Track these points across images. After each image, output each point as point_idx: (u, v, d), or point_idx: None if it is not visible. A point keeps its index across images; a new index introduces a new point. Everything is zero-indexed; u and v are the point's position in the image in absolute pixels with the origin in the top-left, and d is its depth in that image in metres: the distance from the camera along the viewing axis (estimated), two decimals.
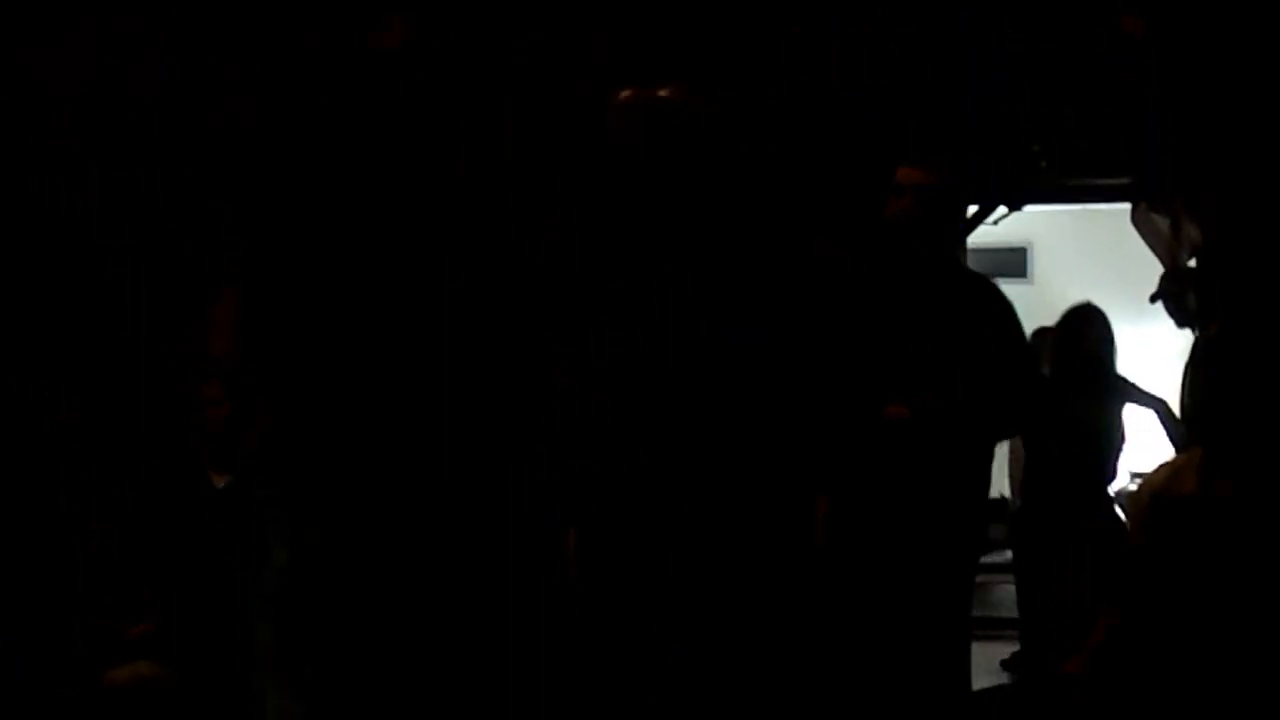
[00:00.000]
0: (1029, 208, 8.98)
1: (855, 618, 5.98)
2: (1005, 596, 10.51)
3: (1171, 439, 7.91)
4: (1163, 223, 9.06)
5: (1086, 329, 8.44)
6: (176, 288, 6.37)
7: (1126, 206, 9.20)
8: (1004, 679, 9.87)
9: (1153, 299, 8.92)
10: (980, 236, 8.63)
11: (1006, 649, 9.95)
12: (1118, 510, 8.13)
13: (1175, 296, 8.71)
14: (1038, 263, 12.88)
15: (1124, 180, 8.30)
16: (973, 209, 8.47)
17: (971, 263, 9.18)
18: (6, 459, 5.79)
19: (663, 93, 5.14)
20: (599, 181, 5.18)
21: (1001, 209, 8.50)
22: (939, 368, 5.88)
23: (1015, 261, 12.66)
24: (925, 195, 5.86)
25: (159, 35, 6.45)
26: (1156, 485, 5.10)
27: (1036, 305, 11.46)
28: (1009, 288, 12.45)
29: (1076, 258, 12.26)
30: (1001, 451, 9.90)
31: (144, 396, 6.33)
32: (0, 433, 5.92)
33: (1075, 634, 8.32)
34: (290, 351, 6.24)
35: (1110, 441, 8.71)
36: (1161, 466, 5.28)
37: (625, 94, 5.12)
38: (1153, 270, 9.00)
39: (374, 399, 6.41)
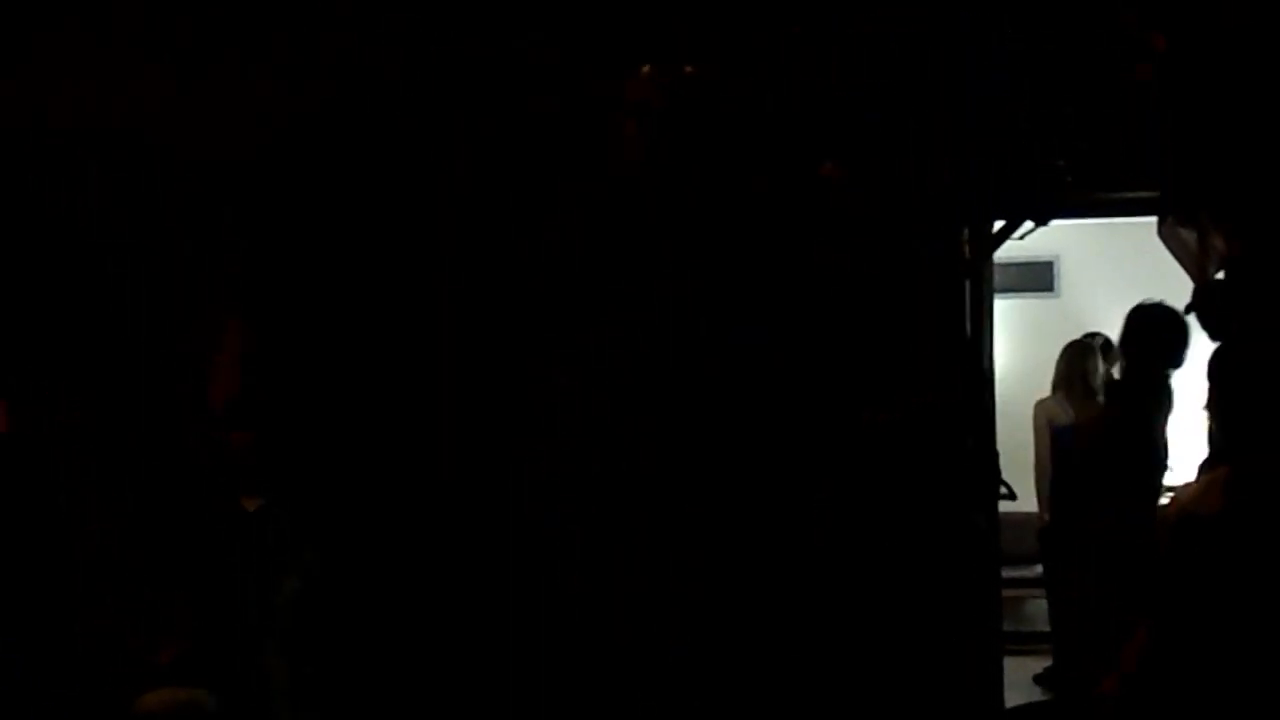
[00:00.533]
0: (1055, 221, 8.93)
1: (848, 616, 5.97)
2: (1038, 611, 10.49)
3: None
4: (1189, 236, 9.01)
5: (1183, 342, 8.39)
6: (177, 288, 6.39)
7: (1153, 219, 9.17)
8: (1037, 694, 9.83)
9: (1186, 311, 8.86)
10: (1007, 250, 8.59)
11: (1040, 664, 9.91)
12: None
13: (1209, 309, 8.65)
14: (1065, 276, 12.82)
15: (1150, 193, 8.25)
16: (999, 224, 8.43)
17: (999, 277, 9.15)
18: (7, 459, 5.80)
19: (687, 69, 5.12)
20: (599, 181, 5.18)
21: (1028, 224, 8.46)
22: (939, 368, 5.87)
23: (1042, 275, 12.61)
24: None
25: (159, 47, 6.48)
26: (1184, 503, 5.08)
27: (1064, 319, 11.46)
28: (1037, 301, 12.50)
29: (1104, 271, 12.19)
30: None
31: (144, 397, 6.34)
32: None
33: (1108, 650, 8.29)
34: (289, 355, 6.24)
35: (1167, 453, 8.68)
36: (1190, 484, 5.26)
37: (646, 67, 5.10)
38: (1181, 283, 8.95)
39: (373, 400, 6.41)
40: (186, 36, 6.53)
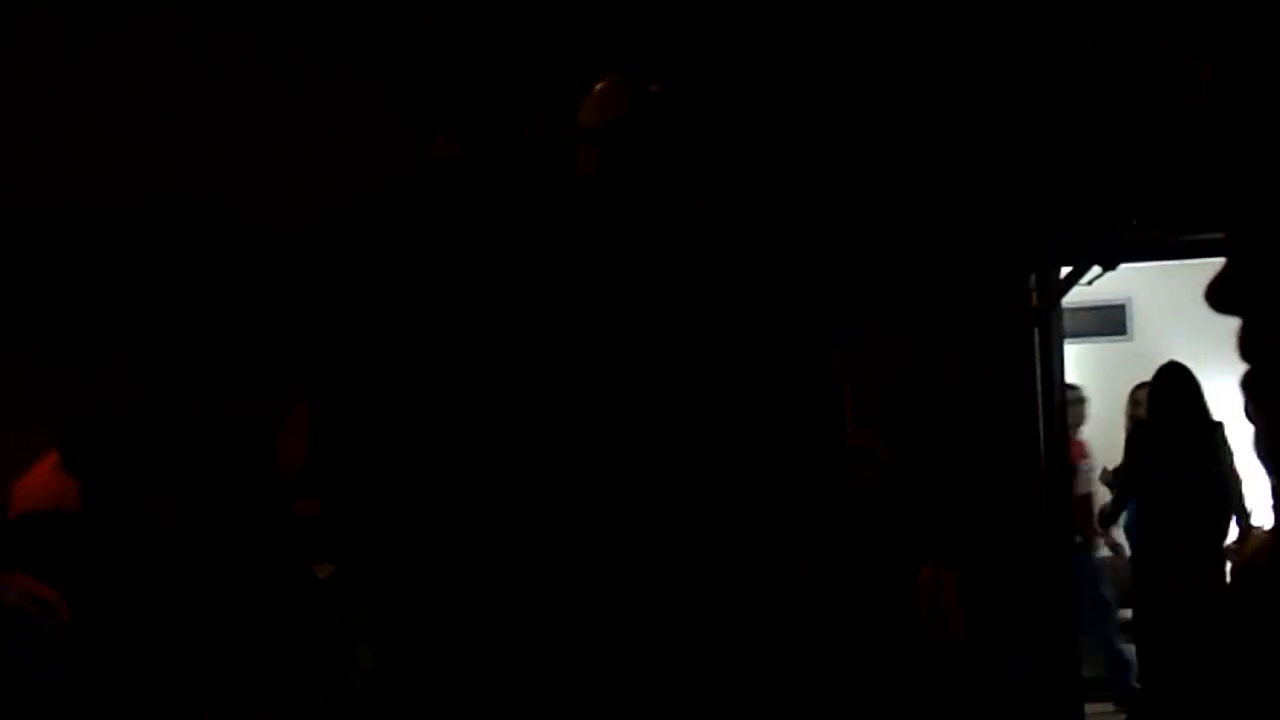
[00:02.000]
0: (1125, 265, 8.93)
1: (926, 663, 5.96)
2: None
3: None
4: None
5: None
6: (245, 355, 6.44)
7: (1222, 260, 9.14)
8: None
9: None
10: (1078, 295, 8.59)
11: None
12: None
13: None
14: (1138, 319, 12.68)
15: (1217, 235, 8.23)
16: (1066, 269, 8.44)
17: (1070, 322, 9.15)
18: (79, 539, 5.86)
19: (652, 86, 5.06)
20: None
21: (1096, 269, 8.46)
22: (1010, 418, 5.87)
23: (1115, 319, 12.47)
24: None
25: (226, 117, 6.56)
26: (1249, 551, 5.09)
27: (1138, 362, 11.36)
28: (1110, 345, 12.41)
29: (1178, 312, 12.05)
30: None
31: (215, 468, 6.39)
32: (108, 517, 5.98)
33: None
34: (356, 422, 6.30)
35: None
36: (1261, 533, 5.25)
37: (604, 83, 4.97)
38: None
39: (438, 468, 6.44)
40: (256, 108, 6.61)
